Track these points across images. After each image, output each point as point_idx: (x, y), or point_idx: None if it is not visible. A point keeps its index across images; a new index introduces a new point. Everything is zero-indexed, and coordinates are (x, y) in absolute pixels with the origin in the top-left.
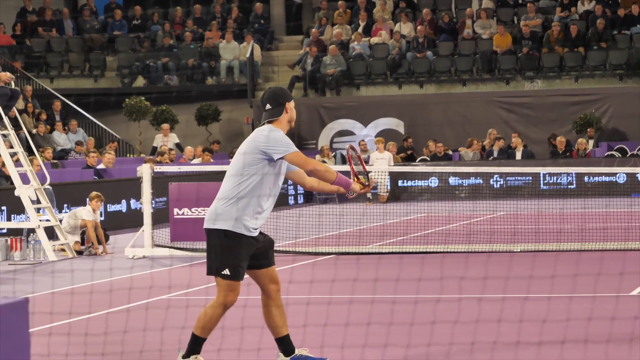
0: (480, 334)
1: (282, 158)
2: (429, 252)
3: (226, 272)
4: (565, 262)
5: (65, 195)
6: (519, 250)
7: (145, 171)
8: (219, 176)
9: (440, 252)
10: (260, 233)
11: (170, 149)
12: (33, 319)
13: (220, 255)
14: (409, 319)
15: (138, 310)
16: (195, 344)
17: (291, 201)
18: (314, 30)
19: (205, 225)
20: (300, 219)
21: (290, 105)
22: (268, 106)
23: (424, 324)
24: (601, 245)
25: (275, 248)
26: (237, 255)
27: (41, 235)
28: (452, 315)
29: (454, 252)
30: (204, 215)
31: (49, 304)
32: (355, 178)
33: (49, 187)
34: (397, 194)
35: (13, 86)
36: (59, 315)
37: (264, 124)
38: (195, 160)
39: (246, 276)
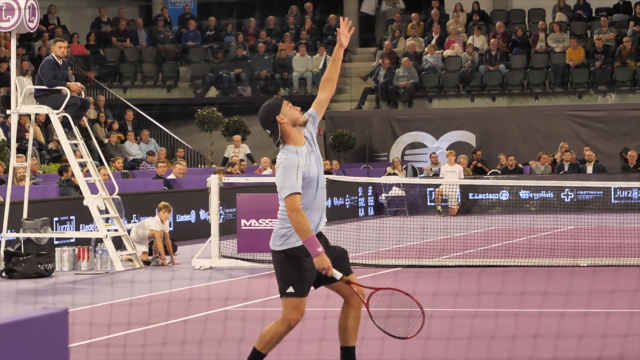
0: (540, 348)
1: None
2: (510, 265)
3: (290, 290)
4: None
5: (135, 205)
6: (585, 265)
7: (213, 182)
8: None
9: (519, 266)
10: (326, 246)
11: (241, 160)
12: (90, 330)
13: (282, 274)
14: (467, 333)
15: (196, 322)
16: (256, 358)
17: (361, 213)
18: (387, 42)
19: (271, 247)
20: (361, 232)
21: (282, 113)
22: (267, 131)
23: (483, 337)
24: None
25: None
26: (298, 272)
27: (108, 245)
28: (511, 330)
29: (536, 265)
30: (271, 226)
31: (107, 315)
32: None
33: (117, 197)
34: (467, 207)
35: (83, 96)
36: (115, 326)
37: (278, 149)
38: (266, 172)
39: (325, 289)
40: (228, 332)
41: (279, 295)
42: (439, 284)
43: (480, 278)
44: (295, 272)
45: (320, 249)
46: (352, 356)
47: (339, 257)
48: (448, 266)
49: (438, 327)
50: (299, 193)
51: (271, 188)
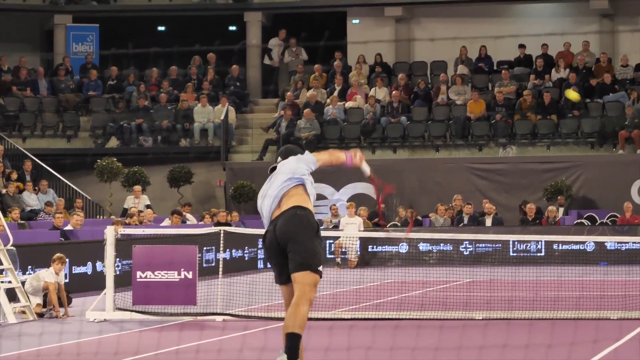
0: None
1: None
2: (401, 319)
3: (321, 268)
4: (537, 331)
5: (30, 256)
6: (480, 318)
7: (109, 233)
8: (186, 239)
9: (412, 319)
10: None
11: (140, 211)
12: None
13: (317, 251)
14: None
15: None
16: (297, 340)
17: (260, 265)
18: (289, 93)
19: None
20: (261, 285)
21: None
22: (279, 159)
23: None
24: (576, 313)
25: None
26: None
27: (1, 296)
28: None
29: (426, 318)
30: (167, 278)
31: None
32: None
33: (12, 247)
34: (367, 259)
35: None
36: None
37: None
38: (165, 223)
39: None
40: None
41: (305, 268)
42: (331, 339)
43: (373, 332)
44: (322, 254)
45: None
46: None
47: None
48: (341, 319)
49: None
50: None
51: (168, 240)
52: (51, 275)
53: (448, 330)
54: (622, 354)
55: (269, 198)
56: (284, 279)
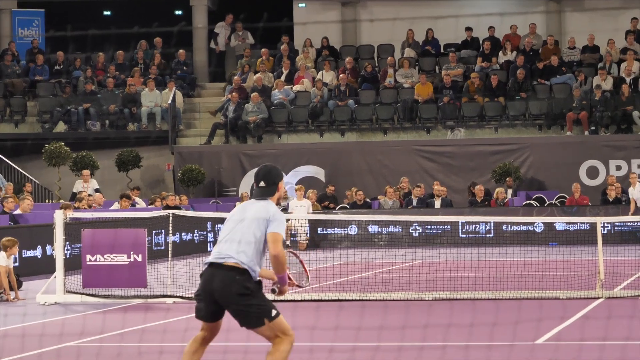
0: None
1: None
2: (346, 300)
3: (275, 312)
4: (482, 311)
5: None
6: (430, 299)
7: (58, 217)
8: (136, 222)
9: (357, 300)
10: None
11: (89, 195)
12: None
13: (264, 301)
14: None
15: (49, 357)
16: None
17: (210, 248)
18: (236, 77)
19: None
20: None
21: (282, 183)
22: (262, 184)
23: None
24: (517, 293)
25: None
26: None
27: None
28: None
29: (370, 300)
30: (117, 262)
31: None
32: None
33: None
34: (316, 242)
35: None
36: None
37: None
38: (114, 206)
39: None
40: None
41: (262, 323)
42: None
43: (317, 312)
44: (267, 298)
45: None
46: None
47: None
48: (303, 300)
49: None
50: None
51: (118, 223)
52: (3, 259)
53: (394, 309)
54: (567, 334)
55: (239, 223)
56: (208, 318)
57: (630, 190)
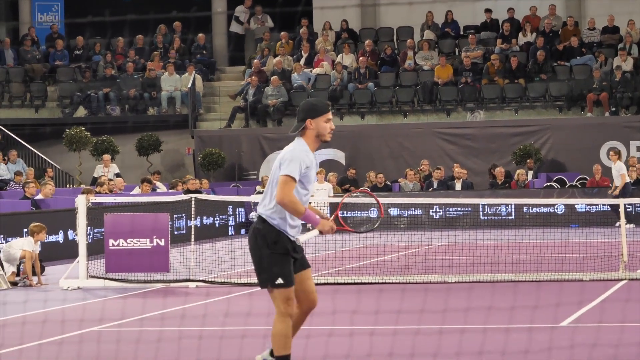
0: None
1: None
2: (365, 283)
3: (280, 280)
4: (501, 293)
5: (1, 225)
6: (453, 282)
7: (80, 202)
8: (157, 207)
9: (377, 283)
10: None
11: (110, 180)
12: None
13: (268, 267)
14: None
15: (70, 343)
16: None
17: (231, 232)
18: (255, 61)
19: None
20: (234, 251)
21: (316, 121)
22: (297, 120)
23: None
24: (536, 275)
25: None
26: (287, 264)
27: None
28: (387, 348)
29: (389, 282)
30: (139, 246)
31: None
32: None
33: None
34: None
35: None
36: None
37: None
38: (135, 191)
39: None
40: (102, 353)
41: (265, 286)
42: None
43: (358, 296)
44: (285, 264)
45: (318, 217)
46: None
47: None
48: (322, 284)
49: (315, 345)
50: (295, 181)
51: (139, 208)
52: (30, 244)
53: (413, 292)
54: (588, 317)
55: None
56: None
57: None
